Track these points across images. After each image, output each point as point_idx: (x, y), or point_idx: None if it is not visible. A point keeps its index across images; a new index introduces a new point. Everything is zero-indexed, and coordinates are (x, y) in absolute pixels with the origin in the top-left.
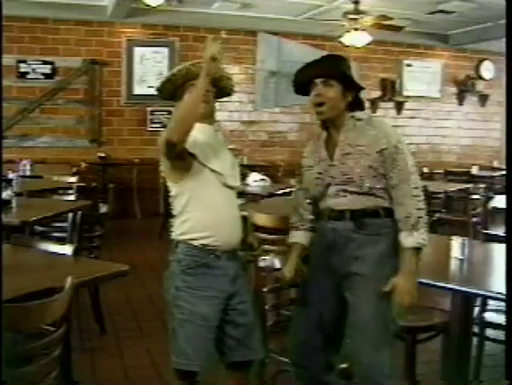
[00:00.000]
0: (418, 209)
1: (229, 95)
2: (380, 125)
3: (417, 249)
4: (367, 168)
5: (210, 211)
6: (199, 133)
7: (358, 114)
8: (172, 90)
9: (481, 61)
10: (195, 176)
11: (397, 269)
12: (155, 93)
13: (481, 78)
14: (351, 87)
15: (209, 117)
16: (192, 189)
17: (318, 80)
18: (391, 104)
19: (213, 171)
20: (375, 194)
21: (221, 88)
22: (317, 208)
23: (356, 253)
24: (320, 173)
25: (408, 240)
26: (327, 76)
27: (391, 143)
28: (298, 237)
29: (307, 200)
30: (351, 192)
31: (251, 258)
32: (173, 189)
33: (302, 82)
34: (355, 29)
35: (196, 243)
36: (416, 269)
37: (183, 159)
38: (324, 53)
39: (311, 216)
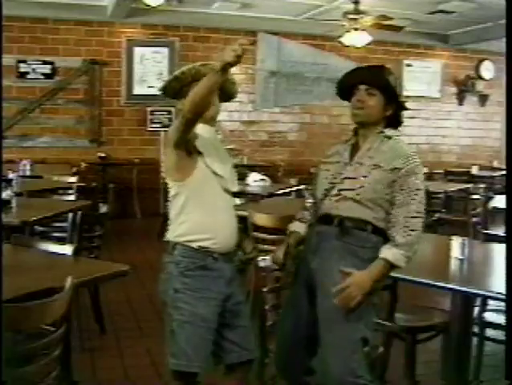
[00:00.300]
0: (410, 232)
1: (231, 99)
2: (401, 145)
3: (390, 266)
4: (374, 180)
5: (209, 213)
6: (202, 134)
7: (388, 132)
8: (178, 88)
9: (481, 61)
10: (197, 176)
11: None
12: (155, 93)
13: (481, 78)
14: (392, 101)
15: (213, 119)
16: (192, 190)
17: (362, 87)
18: None
19: (215, 174)
20: (371, 208)
21: (225, 92)
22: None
23: (338, 263)
24: (332, 175)
25: (386, 251)
26: (371, 84)
27: (407, 165)
28: (298, 226)
29: (312, 200)
30: (349, 199)
31: (241, 266)
32: (173, 189)
33: (346, 86)
34: (355, 29)
35: (194, 245)
36: (376, 279)
37: (190, 153)
38: (325, 53)
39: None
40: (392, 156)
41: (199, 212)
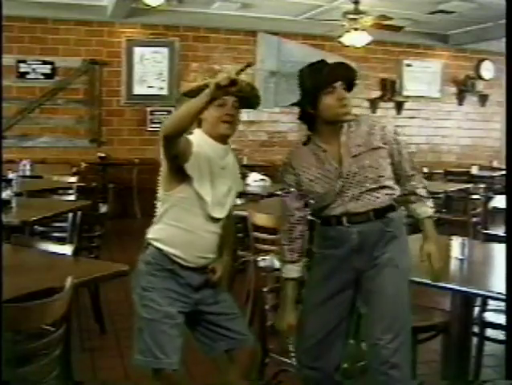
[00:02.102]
0: (421, 179)
1: (252, 107)
2: (367, 119)
3: (432, 218)
4: (380, 160)
5: (183, 232)
6: (205, 153)
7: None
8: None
9: (480, 61)
10: (181, 193)
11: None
12: (155, 93)
13: (480, 78)
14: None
15: (222, 137)
16: (173, 203)
17: (338, 84)
18: (391, 104)
19: (201, 198)
20: (388, 186)
21: (249, 105)
22: (321, 216)
23: (383, 249)
24: (330, 180)
25: (423, 210)
26: (346, 79)
27: (390, 131)
28: (293, 270)
29: (302, 203)
30: (371, 190)
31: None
32: (160, 194)
33: (325, 82)
34: (355, 29)
35: (164, 252)
36: (436, 234)
37: (180, 170)
38: (325, 53)
39: (303, 215)
40: (371, 133)
41: (174, 226)
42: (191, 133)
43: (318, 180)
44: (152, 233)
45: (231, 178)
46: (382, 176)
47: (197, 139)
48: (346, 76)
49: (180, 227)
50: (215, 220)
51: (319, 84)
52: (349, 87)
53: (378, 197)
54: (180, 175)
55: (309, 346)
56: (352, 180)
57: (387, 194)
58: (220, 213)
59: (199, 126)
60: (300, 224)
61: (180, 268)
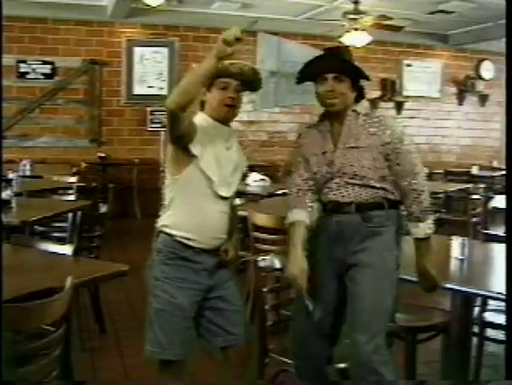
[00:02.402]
0: (423, 200)
1: (254, 90)
2: (383, 119)
3: (428, 237)
4: (371, 161)
5: (193, 213)
6: (209, 134)
7: (359, 107)
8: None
9: (480, 61)
10: (188, 175)
11: (398, 256)
12: (155, 93)
13: (480, 78)
14: (358, 79)
15: (227, 119)
16: (181, 187)
17: (329, 75)
18: (391, 104)
19: (207, 178)
20: (380, 187)
21: (252, 87)
22: (318, 198)
23: (361, 245)
24: (322, 166)
25: (416, 231)
26: (340, 72)
27: (394, 135)
28: (301, 214)
29: (310, 184)
30: (356, 185)
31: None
32: (167, 180)
33: (311, 75)
34: (355, 29)
35: (176, 238)
36: (430, 252)
37: (186, 150)
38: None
39: (312, 198)
40: (378, 132)
41: (184, 209)
42: (193, 113)
43: (315, 156)
44: (163, 220)
45: (236, 157)
46: (367, 177)
47: (201, 121)
48: (340, 69)
49: (191, 210)
50: (223, 199)
51: (312, 73)
52: (352, 76)
53: (361, 194)
54: (185, 156)
55: (299, 336)
56: (339, 169)
57: (373, 194)
58: (227, 192)
59: (202, 109)
60: (309, 190)
61: (194, 253)
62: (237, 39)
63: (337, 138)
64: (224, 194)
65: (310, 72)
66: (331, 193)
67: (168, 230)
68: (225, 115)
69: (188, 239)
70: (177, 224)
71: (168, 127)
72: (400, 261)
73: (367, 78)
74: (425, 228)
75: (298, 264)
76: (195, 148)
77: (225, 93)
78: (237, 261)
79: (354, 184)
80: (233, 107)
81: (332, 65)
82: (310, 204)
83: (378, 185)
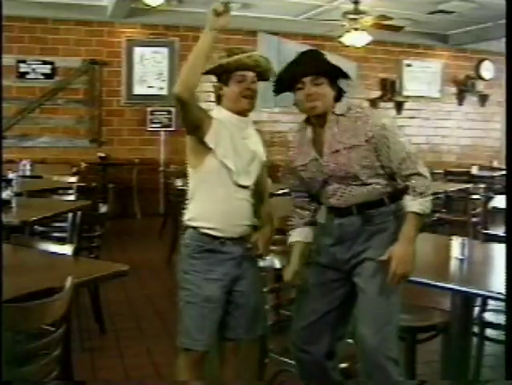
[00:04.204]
0: (424, 178)
1: (267, 79)
2: (361, 111)
3: (419, 216)
4: (360, 159)
5: (215, 203)
6: (226, 125)
7: (338, 109)
8: (220, 73)
9: (480, 61)
10: (207, 166)
11: None
12: (155, 93)
13: (480, 78)
14: (336, 79)
15: (244, 110)
16: (201, 178)
17: (306, 79)
18: (391, 104)
19: (226, 168)
20: (375, 183)
21: (265, 77)
22: (318, 203)
23: (365, 244)
24: (314, 172)
25: (411, 203)
26: (317, 74)
27: (376, 125)
28: (297, 235)
29: (306, 199)
30: (351, 186)
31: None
32: (189, 173)
33: (288, 81)
34: (355, 29)
35: (201, 230)
36: (414, 235)
37: (202, 142)
38: (325, 53)
39: (312, 212)
40: (360, 128)
41: (206, 200)
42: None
43: (303, 167)
44: (188, 213)
45: (254, 147)
46: (359, 177)
47: (217, 114)
48: (317, 69)
49: (212, 200)
50: (244, 187)
51: (289, 80)
52: (330, 76)
53: (358, 194)
54: (203, 147)
55: (300, 328)
56: (332, 174)
57: (370, 192)
58: (246, 181)
59: (218, 103)
60: (305, 204)
61: (220, 244)
62: (226, 9)
63: (322, 144)
64: (244, 183)
65: (287, 78)
66: (330, 198)
67: (193, 223)
68: (245, 106)
69: (213, 229)
70: (201, 215)
71: (181, 117)
72: None
73: (346, 75)
74: (423, 203)
75: (291, 267)
76: (210, 141)
77: (243, 85)
78: (268, 254)
79: (348, 185)
80: (251, 98)
81: (307, 68)
82: (307, 219)
83: (373, 182)
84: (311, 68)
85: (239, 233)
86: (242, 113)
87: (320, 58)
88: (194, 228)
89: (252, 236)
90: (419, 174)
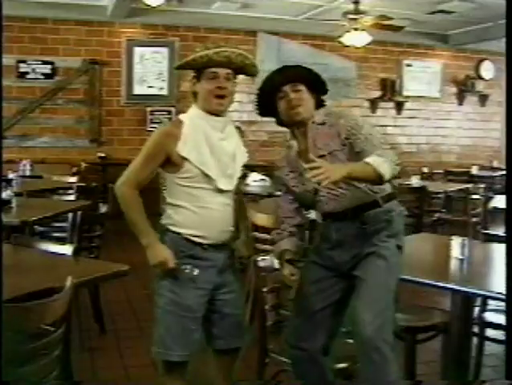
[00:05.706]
0: (390, 156)
1: (253, 75)
2: (334, 114)
3: (369, 166)
4: (344, 162)
5: (198, 210)
6: (201, 128)
7: (317, 117)
8: (194, 69)
9: (480, 61)
10: (187, 173)
11: (402, 242)
12: (155, 93)
13: (480, 78)
14: (313, 86)
15: (223, 111)
16: (183, 185)
17: (286, 87)
18: (391, 104)
19: (205, 175)
20: (365, 185)
21: (247, 73)
22: (311, 209)
23: (363, 245)
24: (304, 185)
25: (370, 157)
26: (294, 80)
27: (348, 122)
28: (285, 244)
29: (295, 205)
30: (343, 190)
31: (240, 265)
32: (167, 179)
33: (270, 93)
34: (355, 29)
35: (183, 235)
36: (351, 168)
37: (173, 163)
38: (325, 53)
39: (297, 221)
40: (336, 131)
41: (188, 207)
42: (184, 112)
43: (294, 180)
44: (167, 218)
45: (233, 148)
46: (348, 182)
47: (191, 115)
48: (295, 77)
49: (194, 206)
50: (224, 192)
51: (270, 92)
52: (313, 86)
53: (351, 198)
54: (179, 158)
55: (295, 325)
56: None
57: (362, 194)
58: (227, 185)
59: (195, 100)
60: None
61: (202, 250)
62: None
63: (306, 154)
64: (225, 188)
65: (267, 89)
66: (324, 206)
67: (174, 228)
68: (216, 107)
69: (196, 236)
70: (183, 222)
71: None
72: (403, 243)
73: (323, 83)
74: (379, 161)
75: (285, 270)
76: (184, 152)
77: (214, 83)
78: (252, 257)
79: (341, 192)
80: (222, 98)
81: (286, 76)
82: (293, 229)
83: (363, 184)
84: (289, 76)
85: (222, 240)
86: (217, 113)
87: (297, 67)
88: (175, 232)
89: (235, 242)
90: (383, 151)
